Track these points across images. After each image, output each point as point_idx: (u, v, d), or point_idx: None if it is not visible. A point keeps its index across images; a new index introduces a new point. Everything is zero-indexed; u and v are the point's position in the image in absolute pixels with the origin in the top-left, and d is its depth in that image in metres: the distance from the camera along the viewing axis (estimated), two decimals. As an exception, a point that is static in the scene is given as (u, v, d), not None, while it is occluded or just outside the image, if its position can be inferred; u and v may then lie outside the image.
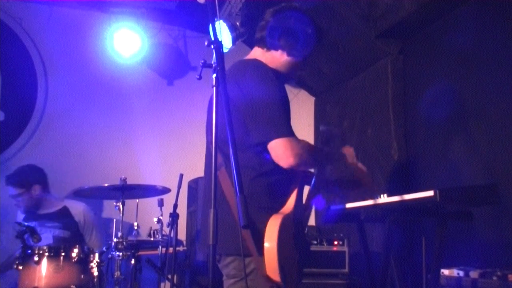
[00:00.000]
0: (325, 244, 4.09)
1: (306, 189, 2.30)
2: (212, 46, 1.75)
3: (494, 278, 2.51)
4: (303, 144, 2.12)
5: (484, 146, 3.38)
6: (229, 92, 1.89)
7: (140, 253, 3.76)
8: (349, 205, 3.19)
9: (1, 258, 4.02)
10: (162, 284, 4.26)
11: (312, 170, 2.25)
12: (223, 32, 4.19)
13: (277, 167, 2.04)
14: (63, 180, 4.64)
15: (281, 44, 2.25)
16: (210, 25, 1.79)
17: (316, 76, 5.33)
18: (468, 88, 3.56)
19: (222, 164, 2.03)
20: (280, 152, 2.01)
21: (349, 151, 2.38)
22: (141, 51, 4.98)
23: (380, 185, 4.37)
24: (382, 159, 4.40)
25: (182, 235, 4.69)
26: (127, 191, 3.67)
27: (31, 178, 4.04)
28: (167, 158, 5.07)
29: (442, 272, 2.79)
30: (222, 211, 1.90)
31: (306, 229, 4.32)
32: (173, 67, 5.42)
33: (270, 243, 1.93)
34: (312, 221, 5.34)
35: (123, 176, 3.62)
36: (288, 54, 2.27)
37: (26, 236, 3.37)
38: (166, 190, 3.82)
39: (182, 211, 4.19)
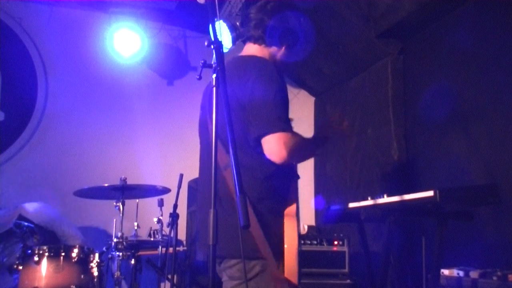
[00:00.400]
0: (325, 244, 4.08)
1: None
2: (212, 46, 1.75)
3: (494, 278, 2.51)
4: (296, 138, 2.09)
5: (484, 146, 3.38)
6: (233, 90, 1.91)
7: (140, 253, 3.76)
8: (349, 205, 3.19)
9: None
10: (162, 284, 4.25)
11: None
12: (223, 32, 4.19)
13: (278, 167, 2.03)
14: (63, 180, 4.64)
15: (280, 41, 2.24)
16: (210, 25, 1.78)
17: (316, 76, 5.33)
18: (468, 88, 3.56)
19: (229, 165, 2.01)
20: (272, 146, 1.99)
21: (332, 120, 2.39)
22: (141, 51, 4.98)
23: (380, 185, 4.37)
24: (382, 159, 4.40)
25: (182, 235, 4.68)
26: (127, 191, 3.67)
27: None
28: (167, 158, 5.07)
29: (442, 272, 2.79)
30: (227, 212, 1.92)
31: (305, 227, 4.34)
32: (173, 67, 5.42)
33: (291, 245, 1.94)
34: (312, 221, 5.34)
35: (123, 176, 3.63)
36: (285, 50, 2.29)
37: (26, 236, 3.37)
38: (166, 190, 3.81)
39: (182, 211, 4.19)
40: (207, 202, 2.03)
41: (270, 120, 2.01)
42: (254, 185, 2.00)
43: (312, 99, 5.81)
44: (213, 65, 1.73)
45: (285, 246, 1.94)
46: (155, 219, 3.89)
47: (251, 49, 2.28)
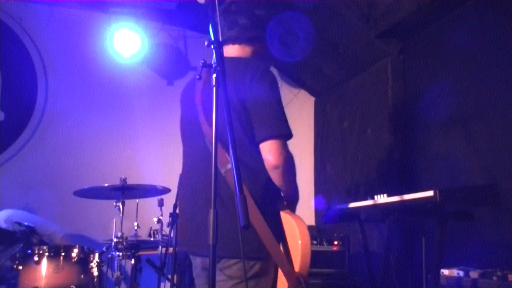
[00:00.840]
0: (325, 244, 4.09)
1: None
2: (212, 46, 1.75)
3: (494, 278, 2.51)
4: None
5: (484, 146, 3.38)
6: (230, 91, 1.89)
7: (140, 253, 3.76)
8: (349, 205, 3.19)
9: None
10: (162, 284, 4.25)
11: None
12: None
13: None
14: (63, 180, 4.64)
15: (256, 36, 2.26)
16: (210, 25, 1.79)
17: (316, 76, 5.33)
18: (468, 88, 3.56)
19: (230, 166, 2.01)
20: (277, 149, 2.02)
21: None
22: (141, 51, 4.98)
23: (380, 185, 4.37)
24: (382, 159, 4.40)
25: (182, 235, 4.68)
26: (127, 191, 3.67)
27: None
28: (167, 158, 5.06)
29: (442, 272, 2.79)
30: (229, 213, 1.92)
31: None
32: (173, 67, 5.42)
33: (305, 240, 2.00)
34: (312, 221, 5.34)
35: (123, 176, 3.62)
36: (263, 44, 2.32)
37: (26, 236, 3.37)
38: (166, 190, 3.81)
39: (182, 211, 4.18)
40: (206, 201, 2.03)
41: (277, 123, 2.04)
42: (259, 187, 2.02)
43: (312, 99, 5.81)
44: (213, 65, 1.73)
45: (299, 241, 1.99)
46: (155, 219, 3.89)
47: (232, 50, 2.25)
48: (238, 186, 1.58)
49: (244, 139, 2.02)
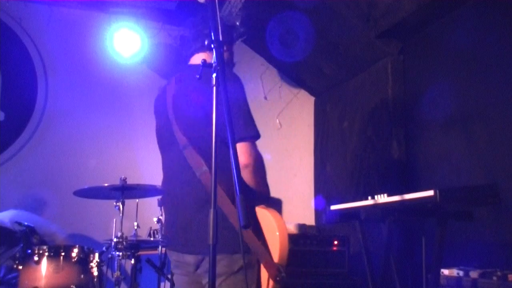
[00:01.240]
0: (325, 244, 4.08)
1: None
2: (212, 46, 1.76)
3: (494, 278, 2.51)
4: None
5: (484, 146, 3.38)
6: (199, 96, 2.09)
7: (140, 253, 3.75)
8: (349, 205, 3.19)
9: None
10: (162, 284, 4.25)
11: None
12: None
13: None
14: (63, 180, 4.64)
15: (225, 42, 2.33)
16: (210, 25, 1.79)
17: (316, 76, 5.33)
18: (468, 88, 3.56)
19: (204, 168, 2.12)
20: (247, 150, 2.12)
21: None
22: (141, 51, 4.98)
23: (380, 185, 4.37)
24: (382, 159, 4.40)
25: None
26: (127, 191, 3.66)
27: None
28: (167, 158, 5.06)
29: (442, 272, 2.79)
30: (204, 207, 2.05)
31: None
32: (173, 67, 5.41)
33: (282, 231, 2.10)
34: (312, 221, 5.34)
35: (123, 176, 3.62)
36: (228, 49, 2.45)
37: (26, 236, 3.36)
38: (166, 190, 3.81)
39: (182, 211, 4.18)
40: (188, 204, 2.15)
41: (245, 125, 2.14)
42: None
43: (312, 99, 5.80)
44: (213, 65, 1.73)
45: (277, 233, 2.09)
46: (155, 219, 3.89)
47: (199, 58, 2.30)
48: (238, 186, 1.59)
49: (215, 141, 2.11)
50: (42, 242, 3.83)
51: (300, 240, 4.06)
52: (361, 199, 3.08)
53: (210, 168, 2.05)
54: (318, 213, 5.33)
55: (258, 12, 4.69)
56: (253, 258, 2.11)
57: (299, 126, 5.62)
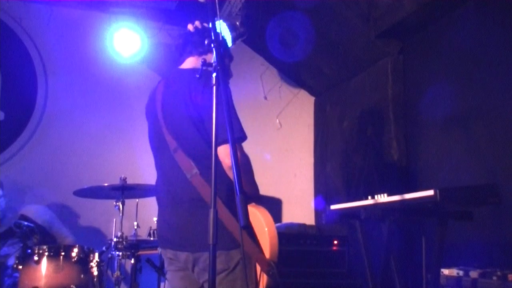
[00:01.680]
0: (325, 244, 4.08)
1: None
2: (212, 45, 1.76)
3: (494, 278, 2.51)
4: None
5: (484, 146, 3.38)
6: (185, 99, 2.16)
7: (140, 253, 3.75)
8: (349, 205, 3.19)
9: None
10: (162, 284, 4.25)
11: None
12: (223, 32, 4.19)
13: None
14: (63, 180, 4.64)
15: (206, 47, 2.36)
16: (211, 25, 1.80)
17: (316, 76, 5.33)
18: (468, 88, 3.56)
19: (193, 169, 2.17)
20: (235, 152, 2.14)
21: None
22: (141, 51, 4.98)
23: (380, 185, 4.37)
24: (382, 159, 4.40)
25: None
26: (127, 191, 3.67)
27: None
28: (167, 158, 5.06)
29: (442, 272, 2.79)
30: (198, 207, 2.10)
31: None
32: (173, 67, 5.41)
33: (270, 228, 2.14)
34: (312, 221, 5.34)
35: (123, 176, 3.63)
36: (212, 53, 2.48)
37: (26, 236, 3.37)
38: (166, 190, 3.80)
39: (182, 211, 4.18)
40: (183, 204, 2.21)
41: (231, 127, 2.13)
42: (224, 187, 2.13)
43: (312, 99, 5.80)
44: (213, 64, 1.74)
45: (266, 229, 2.13)
46: (155, 219, 3.87)
47: (188, 63, 2.51)
48: (238, 186, 1.59)
49: (202, 144, 2.16)
50: (42, 242, 3.83)
51: (300, 240, 4.06)
52: (361, 199, 3.08)
53: (200, 170, 2.15)
54: (318, 213, 5.33)
55: (258, 12, 4.69)
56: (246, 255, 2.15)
57: (299, 126, 5.61)
